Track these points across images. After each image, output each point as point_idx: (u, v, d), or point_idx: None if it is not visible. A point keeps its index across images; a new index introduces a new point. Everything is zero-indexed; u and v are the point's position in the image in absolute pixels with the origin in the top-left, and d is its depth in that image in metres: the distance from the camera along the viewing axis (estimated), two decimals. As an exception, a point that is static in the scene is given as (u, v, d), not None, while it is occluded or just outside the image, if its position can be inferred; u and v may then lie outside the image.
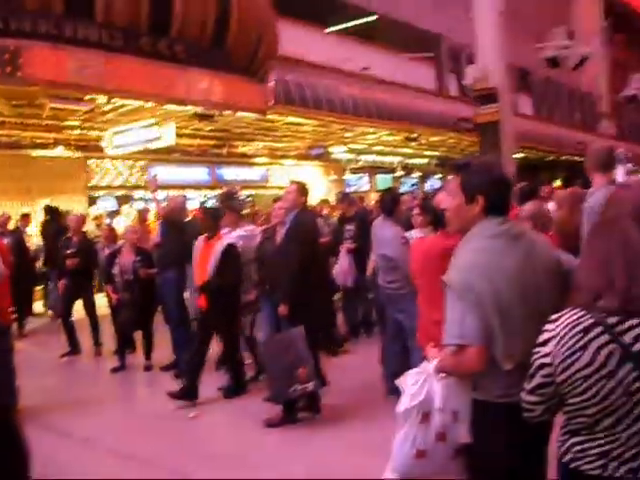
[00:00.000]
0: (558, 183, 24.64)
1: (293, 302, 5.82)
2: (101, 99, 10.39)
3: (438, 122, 16.54)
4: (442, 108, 16.88)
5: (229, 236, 6.95)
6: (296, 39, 14.19)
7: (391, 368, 5.81)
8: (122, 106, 11.28)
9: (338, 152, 17.61)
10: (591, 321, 2.10)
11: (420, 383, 2.77)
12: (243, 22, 11.52)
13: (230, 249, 6.56)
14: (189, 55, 10.94)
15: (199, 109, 11.64)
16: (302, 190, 6.18)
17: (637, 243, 2.19)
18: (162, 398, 6.43)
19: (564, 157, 24.72)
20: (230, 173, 18.03)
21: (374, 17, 20.19)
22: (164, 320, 8.24)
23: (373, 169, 20.63)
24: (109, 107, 11.28)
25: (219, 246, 6.55)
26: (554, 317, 2.21)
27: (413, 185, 22.26)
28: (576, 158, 24.67)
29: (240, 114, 12.40)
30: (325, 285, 7.55)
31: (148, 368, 8.09)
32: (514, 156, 16.53)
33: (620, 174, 5.10)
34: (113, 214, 16.02)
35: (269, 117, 13.06)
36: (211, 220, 6.83)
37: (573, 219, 6.56)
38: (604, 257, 2.17)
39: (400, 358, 5.68)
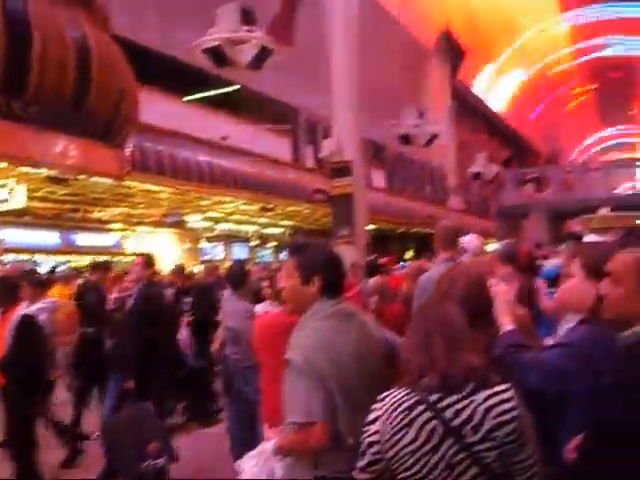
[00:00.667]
0: (410, 254, 25.67)
1: (140, 376, 5.70)
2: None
3: (294, 193, 16.84)
4: (298, 179, 17.24)
5: (27, 309, 6.44)
6: (156, 106, 14.20)
7: (238, 445, 5.74)
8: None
9: (194, 220, 17.55)
10: (415, 399, 2.19)
11: (260, 464, 2.76)
12: (103, 87, 11.42)
13: (27, 322, 5.92)
14: (45, 117, 10.68)
15: (53, 172, 11.36)
16: (148, 263, 6.13)
17: (457, 323, 2.32)
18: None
19: (414, 229, 25.67)
20: (83, 239, 17.54)
21: (235, 87, 20.53)
22: None
23: (229, 238, 20.64)
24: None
25: (14, 319, 6.13)
26: (381, 396, 2.29)
27: (264, 256, 22.37)
28: (426, 230, 25.78)
29: (96, 179, 12.19)
30: (174, 358, 7.41)
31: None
32: (367, 228, 17.04)
33: (467, 254, 5.33)
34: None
35: (125, 183, 12.90)
36: (5, 292, 6.16)
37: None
38: (425, 336, 2.28)
39: (247, 434, 5.62)
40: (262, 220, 19.34)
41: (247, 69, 12.80)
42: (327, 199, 16.87)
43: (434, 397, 2.18)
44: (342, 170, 16.15)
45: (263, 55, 12.59)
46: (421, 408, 2.18)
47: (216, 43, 12.47)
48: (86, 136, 11.43)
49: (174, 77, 16.96)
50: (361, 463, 2.29)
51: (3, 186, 12.04)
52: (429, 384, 2.20)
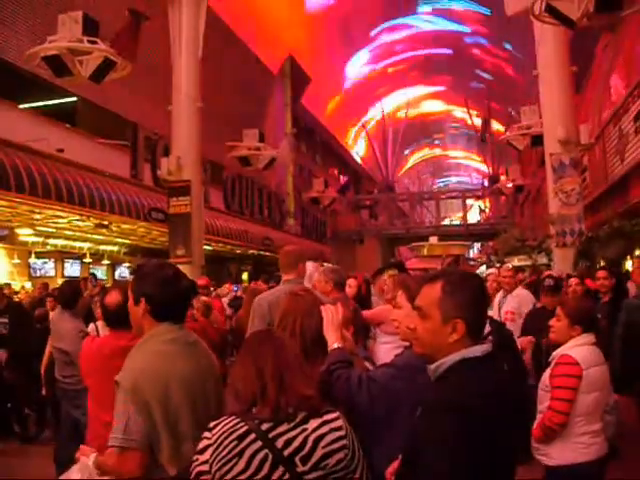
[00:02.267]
0: (245, 277, 25.80)
1: None
2: None
3: (130, 210, 16.52)
4: (135, 197, 16.94)
5: None
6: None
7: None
8: None
9: (24, 234, 16.81)
10: (245, 428, 2.22)
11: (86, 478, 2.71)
12: None
13: None
14: None
15: None
16: None
17: (288, 352, 2.39)
18: None
19: (251, 251, 25.82)
20: None
21: (73, 99, 19.93)
22: None
23: (61, 254, 19.91)
24: None
25: None
26: (212, 425, 2.31)
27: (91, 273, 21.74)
28: (262, 252, 26.00)
29: None
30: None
31: None
32: (204, 248, 17.00)
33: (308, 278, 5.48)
34: None
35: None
36: None
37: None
38: (257, 365, 2.33)
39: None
40: (97, 237, 18.80)
41: (88, 81, 12.50)
42: (164, 218, 16.71)
43: (265, 426, 2.22)
44: (180, 189, 16.07)
45: (105, 68, 12.34)
46: (252, 437, 2.21)
47: (56, 52, 12.09)
48: None
49: (7, 83, 16.26)
50: None
51: None
52: (260, 413, 2.24)
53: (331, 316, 2.95)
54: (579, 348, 4.19)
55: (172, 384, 2.66)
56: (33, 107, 18.94)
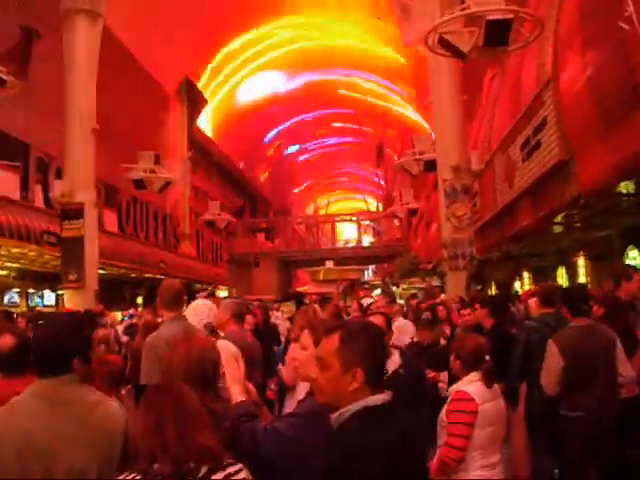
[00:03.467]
0: (140, 300, 25.32)
1: None
2: None
3: (21, 233, 15.96)
4: (26, 220, 16.39)
5: None
6: None
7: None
8: None
9: None
10: None
11: None
12: None
13: None
14: None
15: None
16: None
17: (190, 404, 2.34)
18: None
19: (146, 275, 25.41)
20: None
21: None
22: None
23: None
24: None
25: None
26: None
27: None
28: (158, 276, 25.59)
29: None
30: None
31: None
32: (97, 272, 16.63)
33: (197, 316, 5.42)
34: None
35: None
36: None
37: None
38: (157, 418, 2.25)
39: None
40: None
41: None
42: (57, 241, 16.26)
43: None
44: (73, 212, 15.73)
45: (-7, 87, 11.98)
46: None
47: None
48: None
49: None
50: None
51: None
52: (161, 469, 2.16)
53: (233, 370, 2.98)
54: (474, 384, 4.32)
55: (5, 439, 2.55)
56: None
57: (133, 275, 24.97)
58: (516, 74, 13.17)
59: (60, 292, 18.54)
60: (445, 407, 4.37)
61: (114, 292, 23.08)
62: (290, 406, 5.52)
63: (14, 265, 19.84)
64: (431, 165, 16.28)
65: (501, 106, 15.05)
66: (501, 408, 4.40)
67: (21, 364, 3.81)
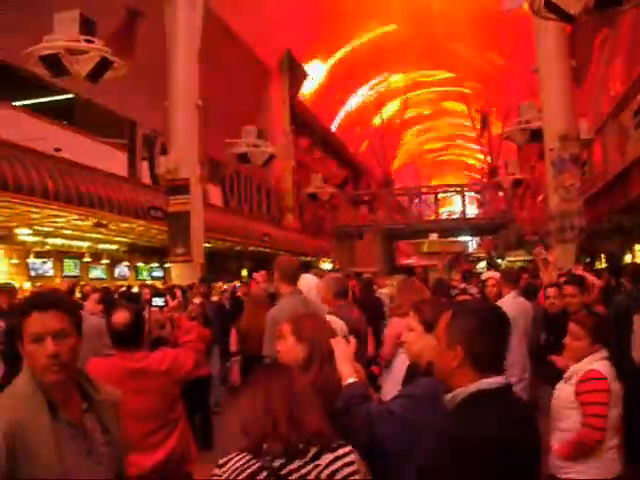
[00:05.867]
0: (244, 273, 25.76)
1: None
2: None
3: (128, 209, 16.45)
4: (133, 195, 16.87)
5: None
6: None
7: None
8: None
9: (23, 234, 16.74)
10: (257, 465, 2.18)
11: None
12: None
13: None
14: None
15: None
16: None
17: (300, 387, 2.34)
18: None
19: (251, 248, 25.78)
20: None
21: (69, 96, 19.85)
22: None
23: (60, 253, 19.85)
24: None
25: None
26: (222, 462, 2.26)
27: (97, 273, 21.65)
28: (262, 249, 25.95)
29: None
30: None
31: None
32: (203, 246, 16.95)
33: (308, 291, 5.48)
34: None
35: (-53, 194, 12.11)
36: None
37: (255, 321, 6.84)
38: (267, 401, 2.28)
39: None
40: (95, 236, 18.73)
41: (85, 80, 12.44)
42: (163, 216, 16.65)
43: (277, 463, 2.17)
44: (179, 188, 16.06)
45: (102, 67, 12.28)
46: (264, 475, 2.17)
47: (53, 51, 12.03)
48: None
49: (2, 82, 16.18)
50: None
51: None
52: (272, 450, 2.19)
53: (343, 349, 2.93)
54: (601, 363, 4.15)
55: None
56: (29, 105, 18.87)
57: (237, 248, 25.37)
58: (630, 36, 12.52)
59: (167, 265, 19.05)
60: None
61: (219, 265, 23.53)
62: (387, 381, 5.48)
63: (123, 239, 20.52)
64: (537, 134, 15.75)
65: (612, 70, 14.38)
66: (620, 388, 4.20)
67: (135, 339, 3.96)
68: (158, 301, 5.29)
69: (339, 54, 38.12)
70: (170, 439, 4.03)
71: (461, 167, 66.03)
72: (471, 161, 62.67)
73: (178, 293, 5.89)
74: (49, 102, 20.41)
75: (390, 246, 42.01)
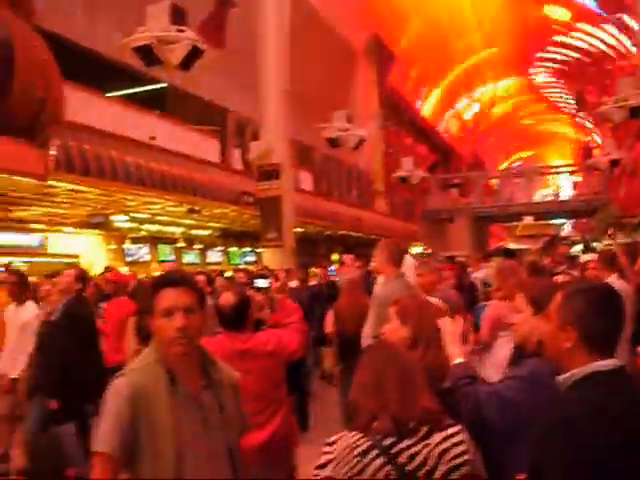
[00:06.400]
0: (336, 257, 25.81)
1: (63, 396, 5.48)
2: None
3: (221, 195, 16.69)
4: (225, 181, 17.11)
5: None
6: (79, 103, 13.85)
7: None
8: None
9: (119, 221, 17.22)
10: (368, 443, 2.19)
11: None
12: (26, 83, 11.05)
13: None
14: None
15: (-26, 172, 10.95)
16: (79, 276, 5.92)
17: (411, 367, 2.34)
18: None
19: (341, 232, 25.80)
20: (3, 238, 16.91)
21: (162, 85, 20.25)
22: None
23: (155, 239, 20.34)
24: None
25: None
26: (332, 439, 2.28)
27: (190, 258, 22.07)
28: (352, 233, 25.94)
29: (18, 179, 11.78)
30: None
31: None
32: (294, 230, 17.06)
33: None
34: None
35: (49, 183, 12.53)
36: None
37: (352, 305, 6.86)
38: (377, 378, 2.29)
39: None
40: (189, 222, 19.11)
41: (177, 69, 12.65)
42: (254, 201, 16.82)
43: (387, 441, 2.18)
44: (270, 173, 16.19)
45: (193, 55, 12.46)
46: (375, 453, 2.17)
47: (146, 42, 12.28)
48: (8, 134, 11.05)
49: (98, 73, 16.61)
50: None
51: None
52: (382, 428, 2.19)
53: (451, 329, 2.92)
54: None
55: None
56: (122, 95, 19.33)
57: (328, 233, 25.42)
58: None
59: (259, 250, 19.26)
60: None
61: (310, 249, 23.66)
62: (487, 365, 5.40)
63: (216, 225, 20.85)
64: (636, 111, 15.15)
65: None
66: None
67: (240, 321, 4.03)
68: (261, 283, 5.37)
69: (428, 35, 37.58)
70: (275, 419, 4.10)
71: (555, 146, 64.33)
72: (565, 141, 60.96)
73: (281, 275, 5.98)
74: (142, 92, 20.86)
75: (481, 229, 41.35)
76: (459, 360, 2.83)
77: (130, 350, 4.64)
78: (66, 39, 15.55)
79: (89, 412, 5.89)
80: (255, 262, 22.86)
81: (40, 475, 5.34)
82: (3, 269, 11.61)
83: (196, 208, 16.62)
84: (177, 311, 2.38)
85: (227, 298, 4.04)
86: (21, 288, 6.61)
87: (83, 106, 14.19)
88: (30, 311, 6.43)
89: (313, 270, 14.26)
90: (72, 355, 5.53)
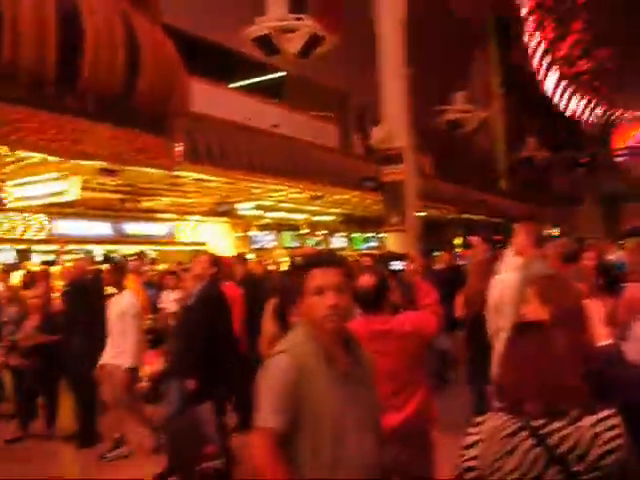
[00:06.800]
0: (459, 241, 25.43)
1: (200, 377, 5.60)
2: (2, 151, 10.06)
3: (343, 181, 16.74)
4: (347, 167, 17.13)
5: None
6: (202, 95, 14.17)
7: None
8: (25, 158, 10.93)
9: (244, 208, 17.56)
10: (517, 425, 2.13)
11: None
12: (153, 77, 11.36)
13: None
14: (97, 108, 10.68)
15: (105, 164, 11.39)
16: (213, 261, 6.02)
17: (561, 347, 2.25)
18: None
19: (465, 215, 25.41)
20: (134, 228, 17.62)
21: (281, 74, 20.49)
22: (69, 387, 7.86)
23: (279, 226, 20.68)
24: (11, 159, 10.93)
25: None
26: (479, 420, 2.25)
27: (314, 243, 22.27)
28: (475, 217, 25.49)
29: (147, 170, 12.19)
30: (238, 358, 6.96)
31: (50, 437, 7.63)
32: (417, 214, 16.88)
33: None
34: (11, 268, 15.30)
35: (176, 173, 12.91)
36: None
37: (481, 286, 6.71)
38: (526, 359, 2.22)
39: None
40: (312, 208, 19.28)
41: (297, 57, 12.73)
42: (377, 186, 16.75)
43: (537, 423, 2.12)
44: (392, 157, 16.06)
45: (312, 43, 12.53)
46: (524, 434, 2.12)
47: (266, 32, 12.43)
48: (137, 127, 11.42)
49: (219, 64, 16.96)
50: None
51: (57, 179, 12.14)
52: (532, 409, 2.14)
53: (597, 310, 2.86)
54: None
55: None
56: (243, 85, 19.69)
57: (451, 216, 25.10)
58: None
59: (382, 235, 19.20)
60: None
61: (433, 234, 23.41)
62: (627, 350, 5.15)
63: (339, 211, 20.95)
64: None
65: None
66: None
67: (379, 303, 4.03)
68: (396, 265, 5.34)
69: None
70: (413, 400, 4.05)
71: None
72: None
73: (416, 257, 5.94)
74: (262, 81, 21.19)
75: (613, 209, 39.71)
76: (606, 341, 2.76)
77: (268, 333, 4.69)
78: (189, 33, 15.95)
79: (224, 392, 6.01)
80: (378, 247, 22.85)
81: (179, 453, 5.50)
82: (134, 256, 12.07)
83: (319, 194, 16.72)
84: (328, 289, 2.48)
85: (366, 279, 4.02)
86: (118, 276, 6.79)
87: (207, 98, 14.52)
88: (127, 299, 6.61)
89: (438, 254, 14.06)
90: (208, 338, 5.63)
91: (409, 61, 17.01)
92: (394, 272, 5.36)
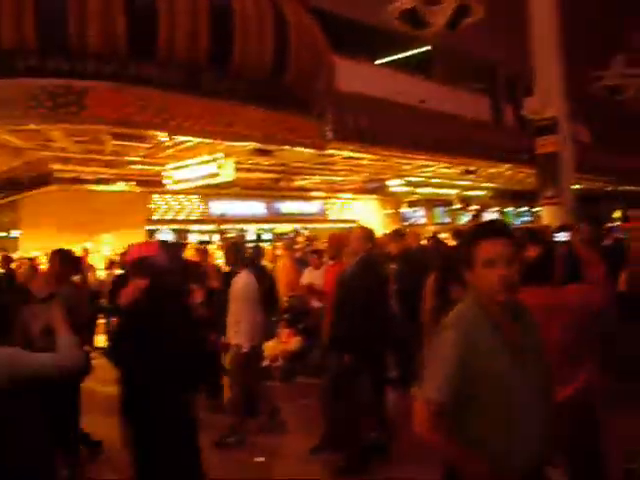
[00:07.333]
0: (618, 214, 24.23)
1: (357, 351, 5.62)
2: (162, 137, 10.54)
3: (495, 154, 16.33)
4: (498, 139, 16.69)
5: None
6: (348, 72, 14.20)
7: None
8: (182, 142, 11.41)
9: (394, 185, 17.49)
10: None
11: None
12: (301, 57, 11.52)
13: None
14: (248, 91, 10.98)
15: (258, 145, 11.69)
16: (367, 236, 5.98)
17: None
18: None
19: (623, 188, 24.20)
20: (287, 207, 17.98)
21: (426, 48, 20.16)
22: None
23: (430, 202, 20.46)
24: (170, 144, 11.44)
25: None
26: None
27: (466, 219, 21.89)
28: (635, 188, 24.20)
29: (298, 149, 12.38)
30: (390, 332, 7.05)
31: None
32: (573, 187, 16.21)
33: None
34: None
35: (326, 152, 13.03)
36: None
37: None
38: None
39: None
40: (463, 183, 18.95)
41: (444, 30, 12.50)
42: (530, 159, 16.23)
43: None
44: (546, 128, 15.49)
45: (460, 14, 12.26)
46: None
47: (410, 5, 12.26)
48: (287, 108, 11.63)
49: (364, 42, 16.90)
50: None
51: (213, 160, 12.57)
52: None
53: None
54: None
55: None
56: (389, 62, 19.55)
57: (608, 189, 23.97)
58: None
59: (536, 209, 18.62)
60: None
61: (592, 207, 22.45)
62: None
63: (491, 185, 20.48)
64: None
65: None
66: None
67: (547, 274, 3.95)
68: (561, 236, 5.19)
69: None
70: (579, 375, 3.91)
71: None
72: None
73: (584, 227, 5.71)
74: (407, 57, 20.96)
75: None
76: None
77: (428, 306, 4.66)
78: (333, 13, 15.99)
79: (386, 363, 6.02)
80: (532, 222, 22.19)
81: (338, 427, 5.57)
82: (292, 234, 12.29)
83: (471, 169, 16.41)
84: (499, 261, 2.46)
85: (534, 251, 3.97)
86: (234, 256, 6.64)
87: (354, 75, 14.55)
88: (243, 279, 6.39)
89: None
90: (368, 307, 5.60)
91: (562, 26, 16.29)
92: (560, 243, 5.19)
